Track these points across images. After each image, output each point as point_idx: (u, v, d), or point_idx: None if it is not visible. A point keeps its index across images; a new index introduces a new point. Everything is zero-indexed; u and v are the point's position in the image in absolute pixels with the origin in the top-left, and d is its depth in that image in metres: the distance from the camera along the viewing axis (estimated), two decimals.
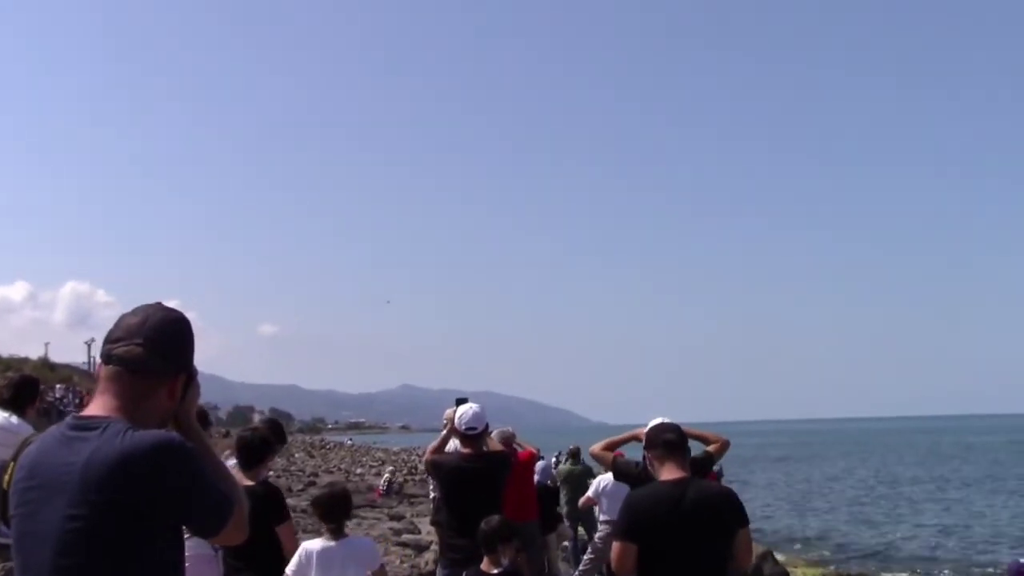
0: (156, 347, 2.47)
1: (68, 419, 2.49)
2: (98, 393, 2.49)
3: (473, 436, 6.63)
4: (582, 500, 11.25)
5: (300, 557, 5.31)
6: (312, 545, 5.36)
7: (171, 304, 2.63)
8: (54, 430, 2.45)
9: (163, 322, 2.53)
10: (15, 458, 2.48)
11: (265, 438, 5.82)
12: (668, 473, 4.48)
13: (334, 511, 5.44)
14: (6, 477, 2.47)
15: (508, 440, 8.81)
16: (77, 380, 47.37)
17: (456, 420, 6.74)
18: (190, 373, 2.59)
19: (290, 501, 6.32)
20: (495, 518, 5.79)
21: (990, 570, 19.62)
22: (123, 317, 2.55)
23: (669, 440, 4.54)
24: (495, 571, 5.63)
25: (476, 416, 6.65)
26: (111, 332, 2.52)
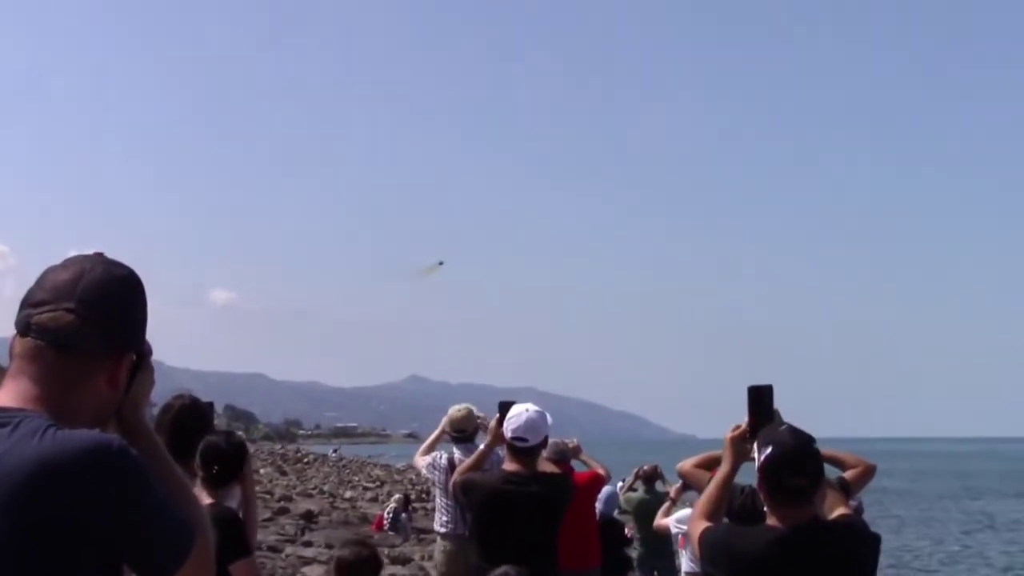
0: (94, 314, 2.40)
1: None
2: (9, 376, 2.43)
3: (524, 450, 6.53)
4: (657, 521, 10.97)
5: None
6: None
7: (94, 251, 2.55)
8: None
9: (105, 280, 2.45)
10: None
11: (241, 445, 5.81)
12: (785, 518, 4.34)
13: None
14: None
15: (564, 456, 8.71)
16: None
17: (505, 425, 6.62)
18: (140, 351, 2.54)
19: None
20: (511, 571, 5.76)
21: None
22: (48, 272, 2.48)
23: (798, 488, 4.30)
24: None
25: (531, 424, 6.51)
26: (31, 292, 2.45)
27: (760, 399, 4.75)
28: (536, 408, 6.62)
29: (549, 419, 6.63)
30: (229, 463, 5.56)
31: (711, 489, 4.72)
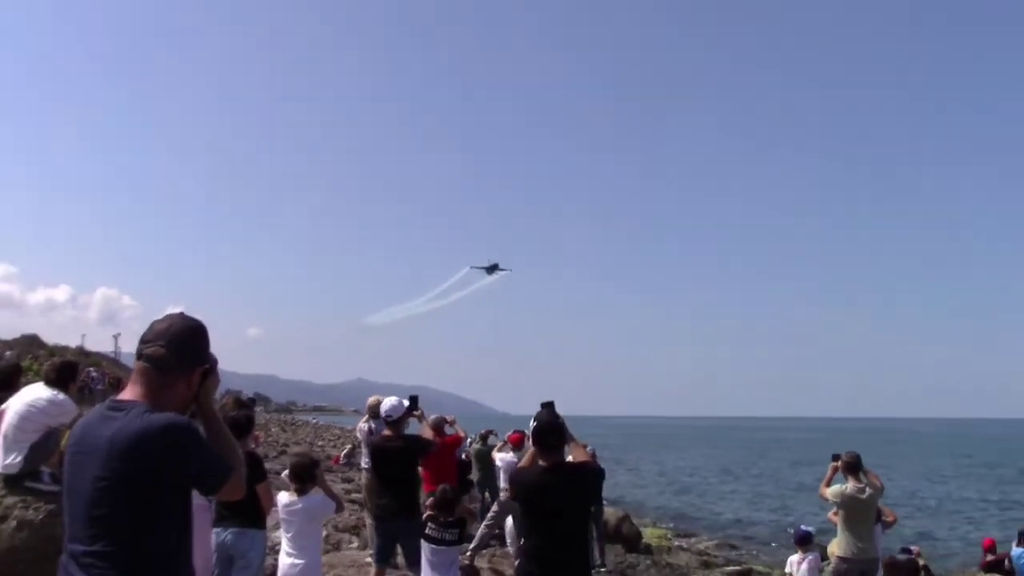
0: (176, 349, 2.49)
1: (108, 400, 2.52)
2: (131, 382, 2.51)
3: (391, 422, 6.79)
4: (492, 454, 11.65)
5: (276, 503, 5.75)
6: (280, 497, 5.82)
7: (179, 310, 2.65)
8: (98, 408, 2.49)
9: (182, 328, 2.54)
10: (70, 426, 2.51)
11: (250, 416, 5.79)
12: (547, 460, 4.60)
13: (300, 474, 5.87)
14: (63, 441, 2.49)
15: (438, 425, 8.91)
16: (105, 365, 46.63)
17: (381, 408, 6.94)
18: (209, 365, 2.59)
19: (266, 465, 6.38)
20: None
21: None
22: (155, 322, 2.55)
23: (550, 444, 4.58)
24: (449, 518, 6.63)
25: (394, 407, 6.78)
26: (145, 333, 2.53)
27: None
28: (396, 398, 6.87)
29: (406, 403, 6.82)
30: (243, 426, 5.47)
31: (527, 455, 4.85)
